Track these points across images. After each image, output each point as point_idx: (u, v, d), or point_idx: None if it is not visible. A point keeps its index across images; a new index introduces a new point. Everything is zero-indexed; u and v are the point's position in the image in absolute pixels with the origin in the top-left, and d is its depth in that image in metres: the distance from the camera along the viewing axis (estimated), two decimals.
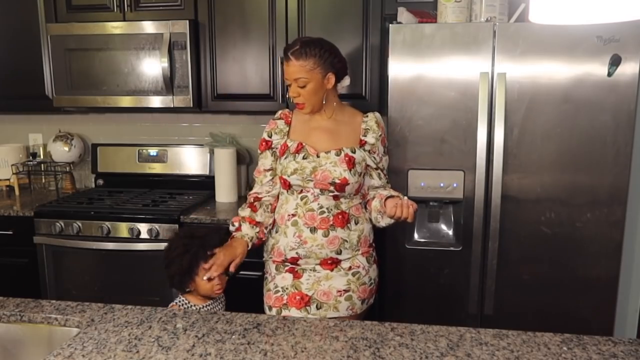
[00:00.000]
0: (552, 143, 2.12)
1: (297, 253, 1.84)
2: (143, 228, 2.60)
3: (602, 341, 1.31)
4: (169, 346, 1.28)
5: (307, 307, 1.83)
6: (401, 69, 2.16)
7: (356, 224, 1.86)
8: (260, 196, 1.92)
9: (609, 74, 2.04)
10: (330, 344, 1.30)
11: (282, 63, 2.64)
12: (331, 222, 1.82)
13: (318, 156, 1.83)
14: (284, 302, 1.84)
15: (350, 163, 1.82)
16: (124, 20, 2.76)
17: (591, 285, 2.18)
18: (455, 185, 2.19)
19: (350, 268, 1.86)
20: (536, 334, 1.34)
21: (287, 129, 1.93)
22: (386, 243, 2.29)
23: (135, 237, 2.61)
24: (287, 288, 1.85)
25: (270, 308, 1.88)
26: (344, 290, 1.85)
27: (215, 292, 1.76)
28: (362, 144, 1.88)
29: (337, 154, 1.83)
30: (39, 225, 2.69)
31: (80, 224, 2.65)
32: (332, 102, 1.89)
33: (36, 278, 2.72)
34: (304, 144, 1.86)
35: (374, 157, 1.89)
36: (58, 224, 2.66)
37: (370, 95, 2.64)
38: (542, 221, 2.17)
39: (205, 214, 2.61)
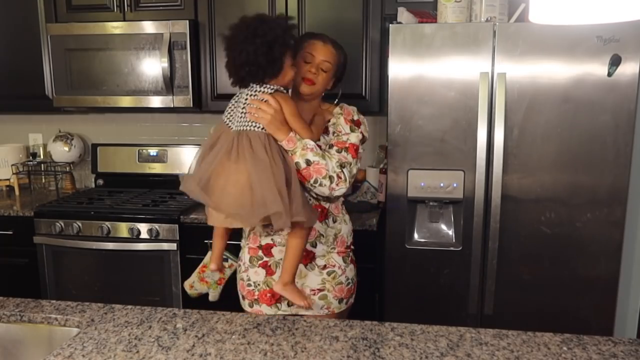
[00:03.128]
0: (552, 143, 2.12)
1: (272, 239, 1.81)
2: (143, 228, 2.60)
3: (602, 341, 1.31)
4: (169, 346, 1.28)
5: (278, 304, 1.82)
6: (401, 69, 2.16)
7: (334, 222, 1.84)
8: None
9: (609, 74, 2.04)
10: (330, 344, 1.30)
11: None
12: None
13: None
14: (255, 297, 1.84)
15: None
16: (124, 20, 2.76)
17: (591, 285, 2.18)
18: (455, 185, 2.19)
19: (325, 267, 1.84)
20: (536, 334, 1.34)
21: None
22: (386, 243, 2.29)
23: (135, 237, 2.61)
24: (259, 284, 1.83)
25: (243, 297, 1.89)
26: (318, 289, 1.83)
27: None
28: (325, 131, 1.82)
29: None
30: (39, 225, 2.69)
31: (80, 224, 2.65)
32: (317, 102, 1.88)
33: (36, 278, 2.72)
34: None
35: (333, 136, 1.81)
36: (58, 224, 2.66)
37: (370, 95, 2.64)
38: (542, 221, 2.17)
39: (205, 214, 2.60)
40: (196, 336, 1.33)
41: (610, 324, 2.19)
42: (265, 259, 1.83)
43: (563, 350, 1.27)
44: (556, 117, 2.10)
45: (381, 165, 2.77)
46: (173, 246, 2.59)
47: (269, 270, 1.83)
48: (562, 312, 2.21)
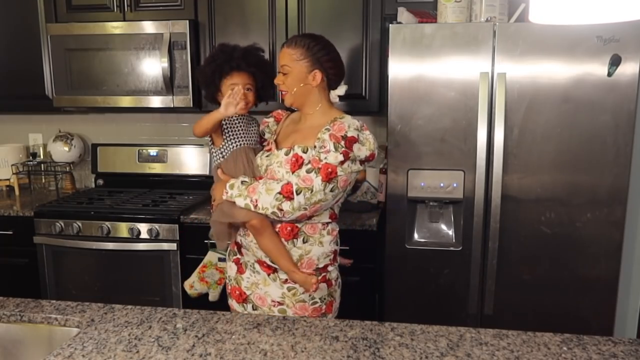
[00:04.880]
0: (552, 143, 2.12)
1: (240, 240, 1.81)
2: (143, 228, 2.60)
3: (602, 341, 1.31)
4: (169, 346, 1.28)
5: (244, 304, 1.82)
6: (401, 69, 2.16)
7: (304, 242, 1.72)
8: None
9: (609, 74, 2.04)
10: (330, 344, 1.30)
11: None
12: (277, 229, 1.71)
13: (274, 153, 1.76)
14: (228, 291, 1.88)
15: (297, 165, 1.66)
16: (124, 20, 2.76)
17: (591, 285, 2.18)
18: (455, 185, 2.19)
19: (286, 281, 1.74)
20: (536, 334, 1.34)
21: (276, 127, 1.89)
22: (386, 243, 2.29)
23: (135, 237, 2.61)
24: (231, 279, 1.86)
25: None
26: (278, 302, 1.76)
27: (238, 110, 1.73)
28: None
29: (287, 153, 1.70)
30: (39, 225, 2.69)
31: (80, 224, 2.65)
32: (317, 104, 1.75)
33: (36, 278, 2.72)
34: (271, 143, 1.80)
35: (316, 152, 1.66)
36: (58, 224, 2.66)
37: (370, 95, 2.64)
38: (542, 221, 2.17)
39: (205, 214, 2.61)
40: (196, 336, 1.33)
41: (610, 324, 2.19)
42: (238, 255, 1.85)
43: (563, 350, 1.27)
44: (556, 117, 2.10)
45: (381, 165, 2.77)
46: (173, 246, 2.59)
47: (240, 267, 1.84)
48: (562, 312, 2.21)
